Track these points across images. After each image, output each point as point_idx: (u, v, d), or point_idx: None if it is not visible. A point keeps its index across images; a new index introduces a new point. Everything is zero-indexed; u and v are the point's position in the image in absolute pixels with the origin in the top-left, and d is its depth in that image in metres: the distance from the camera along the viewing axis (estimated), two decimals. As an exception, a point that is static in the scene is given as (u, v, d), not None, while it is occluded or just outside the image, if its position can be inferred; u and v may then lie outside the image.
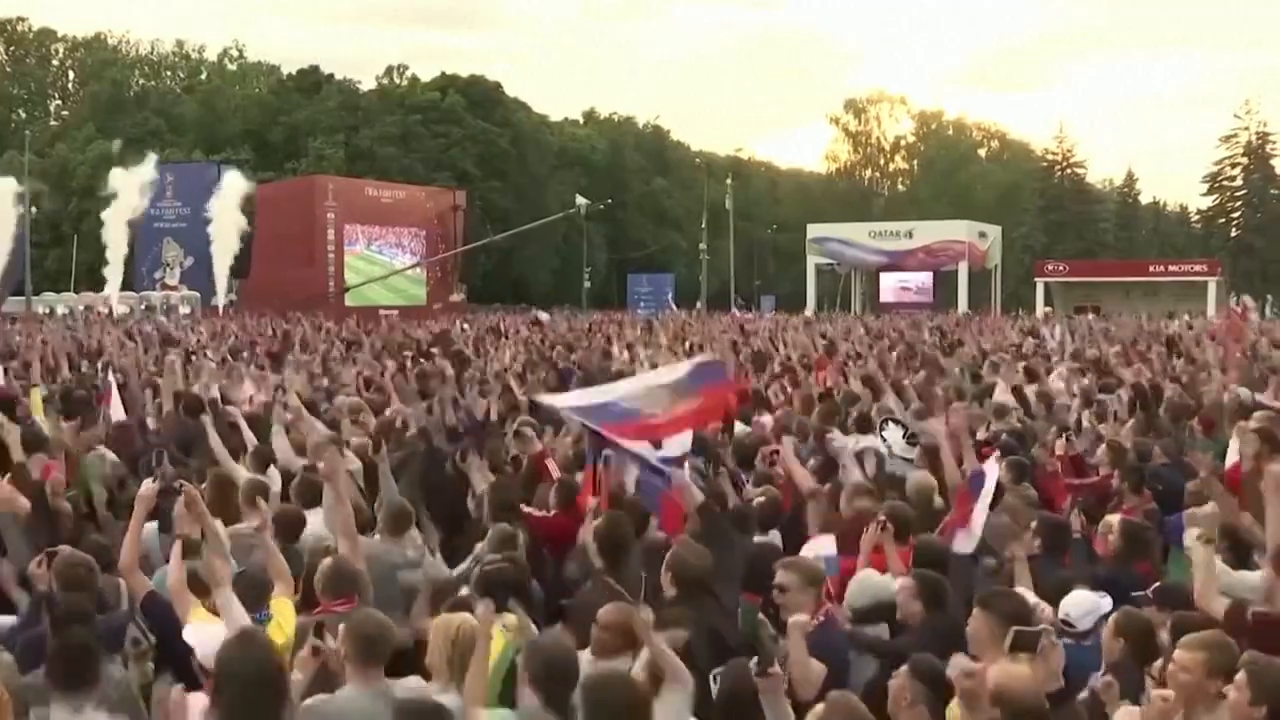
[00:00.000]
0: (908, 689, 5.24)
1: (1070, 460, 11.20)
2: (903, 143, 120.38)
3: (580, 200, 62.52)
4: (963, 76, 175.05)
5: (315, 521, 8.35)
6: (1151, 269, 70.14)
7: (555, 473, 10.09)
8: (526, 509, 8.88)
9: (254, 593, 6.39)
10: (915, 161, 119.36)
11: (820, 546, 8.16)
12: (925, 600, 6.79)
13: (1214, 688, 5.22)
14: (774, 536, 8.91)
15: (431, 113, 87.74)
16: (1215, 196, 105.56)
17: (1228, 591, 7.33)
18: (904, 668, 5.39)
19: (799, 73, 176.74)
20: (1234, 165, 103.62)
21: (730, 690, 5.68)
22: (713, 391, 9.24)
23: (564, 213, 65.05)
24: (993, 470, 8.73)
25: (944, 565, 7.40)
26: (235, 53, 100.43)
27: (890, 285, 74.62)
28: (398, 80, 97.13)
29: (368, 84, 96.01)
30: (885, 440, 11.97)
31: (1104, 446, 11.31)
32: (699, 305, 63.97)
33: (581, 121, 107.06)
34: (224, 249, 58.83)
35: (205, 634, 5.76)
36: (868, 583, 7.49)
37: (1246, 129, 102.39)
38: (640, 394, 8.85)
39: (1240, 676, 5.03)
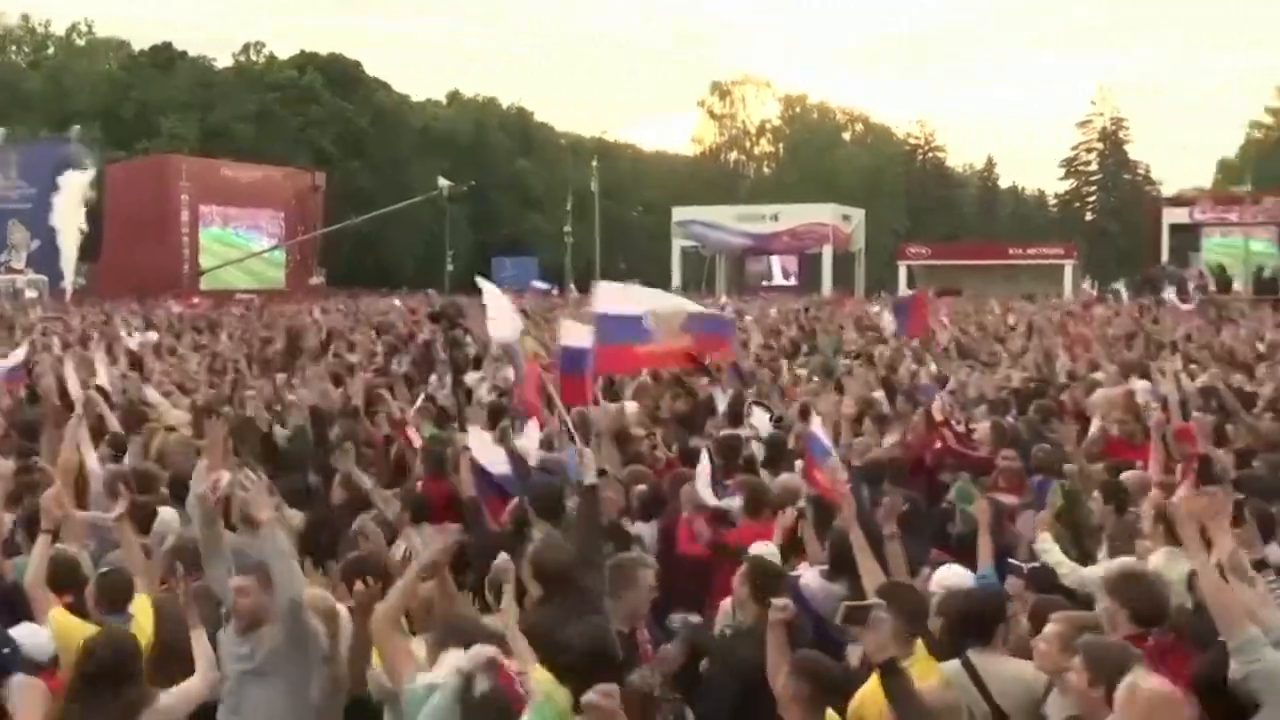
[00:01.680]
0: (790, 687, 5.26)
1: (955, 436, 11.46)
2: (768, 126, 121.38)
3: (443, 182, 62.10)
4: (827, 61, 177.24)
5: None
6: (1011, 252, 71.63)
7: (417, 441, 10.08)
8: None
9: (116, 595, 6.28)
10: (781, 145, 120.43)
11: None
12: (753, 593, 6.85)
13: (1066, 663, 5.37)
14: (651, 529, 9.00)
15: (289, 91, 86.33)
16: (1072, 181, 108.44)
17: (1078, 587, 7.56)
18: (787, 668, 5.43)
19: (665, 55, 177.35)
20: (1089, 150, 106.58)
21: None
22: (702, 338, 10.39)
23: (427, 195, 64.49)
24: (818, 425, 8.92)
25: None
26: (84, 28, 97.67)
27: (757, 267, 75.22)
28: (254, 57, 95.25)
29: (223, 61, 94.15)
30: (753, 425, 12.12)
31: (986, 426, 11.60)
32: (570, 288, 63.93)
33: (444, 102, 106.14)
34: (70, 230, 57.11)
35: (31, 633, 5.77)
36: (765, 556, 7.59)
37: (1101, 114, 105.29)
38: (666, 314, 10.03)
39: (1076, 659, 5.16)
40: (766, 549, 7.73)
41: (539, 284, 54.41)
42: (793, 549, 8.32)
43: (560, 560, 6.84)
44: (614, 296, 10.39)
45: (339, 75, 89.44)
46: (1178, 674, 5.42)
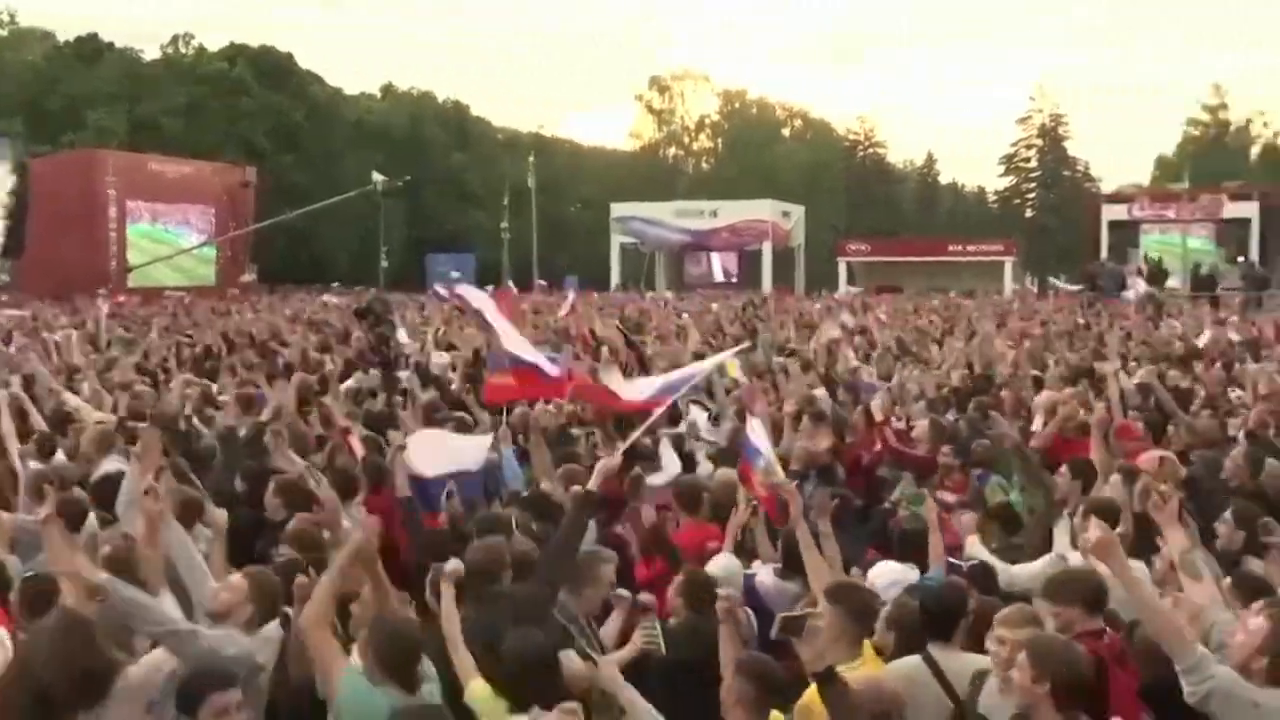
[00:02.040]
0: (734, 689, 5.27)
1: (895, 434, 11.56)
2: (707, 121, 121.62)
3: (377, 177, 61.58)
4: (767, 56, 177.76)
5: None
6: (951, 249, 72.19)
7: (359, 451, 10.01)
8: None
9: (39, 601, 6.20)
10: (720, 140, 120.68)
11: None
12: (686, 599, 6.87)
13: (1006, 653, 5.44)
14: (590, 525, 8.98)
15: (220, 84, 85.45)
16: (1011, 178, 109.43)
17: (1007, 586, 7.65)
18: (731, 668, 5.44)
19: (603, 49, 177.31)
20: (1029, 147, 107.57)
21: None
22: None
23: (361, 190, 64.05)
24: (757, 427, 8.94)
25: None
26: (6, 18, 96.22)
27: (696, 264, 75.29)
28: (183, 49, 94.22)
29: (151, 53, 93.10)
30: (690, 423, 12.19)
31: (925, 424, 11.70)
32: (508, 284, 63.73)
33: (379, 96, 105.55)
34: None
35: None
36: (724, 566, 7.63)
37: (1040, 111, 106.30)
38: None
39: (1021, 656, 5.20)
40: (727, 561, 7.77)
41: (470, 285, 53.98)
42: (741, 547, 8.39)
43: (495, 563, 6.84)
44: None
45: (271, 68, 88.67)
46: (1135, 677, 5.50)
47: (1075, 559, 7.47)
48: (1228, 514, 8.12)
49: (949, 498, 9.58)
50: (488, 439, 10.34)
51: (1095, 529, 5.58)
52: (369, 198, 67.17)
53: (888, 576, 7.15)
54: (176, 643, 5.71)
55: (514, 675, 5.45)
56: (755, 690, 5.22)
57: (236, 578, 6.34)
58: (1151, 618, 5.25)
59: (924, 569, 7.59)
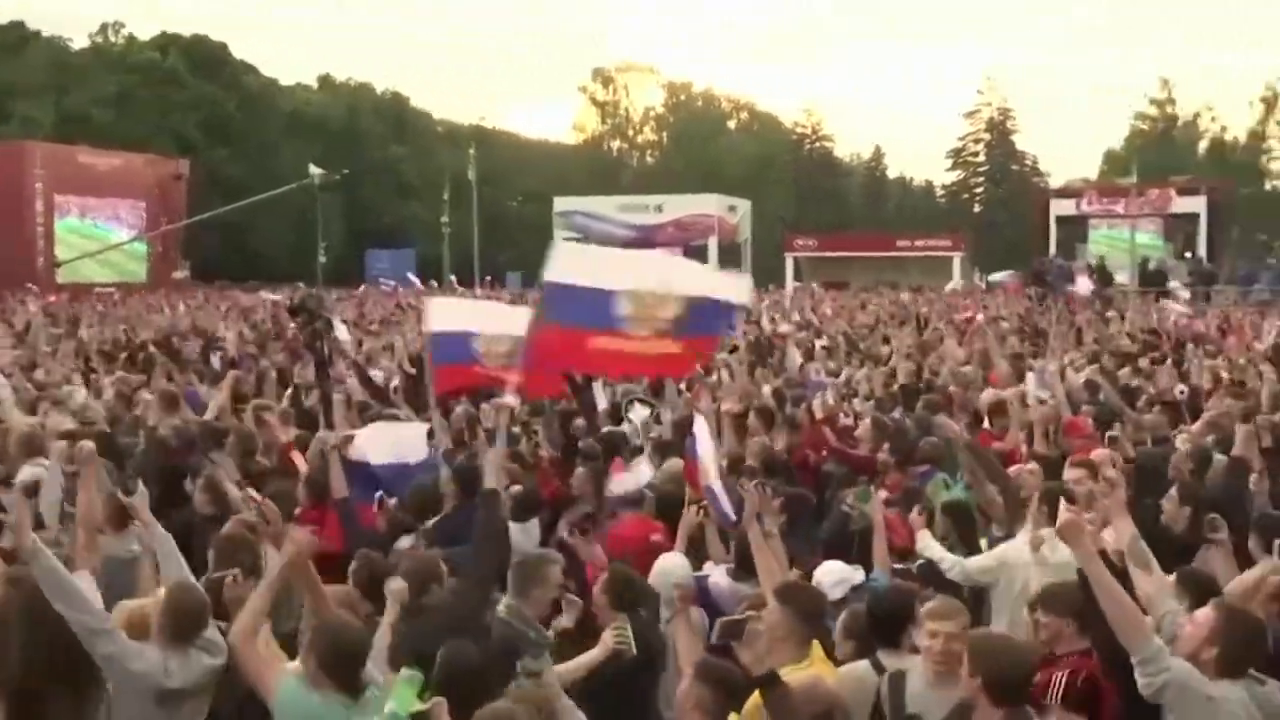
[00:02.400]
0: (693, 694, 5.29)
1: (836, 432, 11.62)
2: (652, 114, 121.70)
3: (314, 170, 61.19)
4: (713, 47, 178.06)
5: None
6: (899, 244, 72.59)
7: (302, 466, 9.97)
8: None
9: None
10: (665, 133, 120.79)
11: None
12: (611, 597, 6.90)
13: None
14: (533, 526, 9.00)
15: (151, 74, 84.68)
16: (959, 172, 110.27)
17: (964, 581, 7.72)
18: (689, 671, 5.45)
19: (546, 39, 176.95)
20: (977, 141, 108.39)
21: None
22: (695, 342, 8.10)
23: (297, 183, 63.64)
24: (701, 425, 8.95)
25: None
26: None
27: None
28: (113, 38, 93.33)
29: (80, 42, 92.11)
30: (630, 420, 12.22)
31: (867, 422, 11.78)
32: (450, 279, 63.50)
33: (315, 86, 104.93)
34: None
35: None
36: (671, 564, 7.64)
37: (989, 105, 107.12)
38: (645, 296, 7.73)
39: (966, 655, 5.31)
40: (675, 560, 7.78)
41: (413, 276, 53.87)
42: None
43: (427, 574, 6.85)
44: (445, 314, 10.08)
45: (203, 57, 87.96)
46: (1114, 698, 5.58)
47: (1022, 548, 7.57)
48: (1172, 491, 8.24)
49: (884, 496, 9.64)
50: (424, 428, 10.34)
51: (1064, 511, 5.66)
52: (306, 191, 66.65)
53: (833, 576, 7.18)
54: (90, 639, 5.64)
55: (444, 688, 5.44)
56: (714, 694, 5.24)
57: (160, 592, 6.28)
58: (1111, 605, 5.32)
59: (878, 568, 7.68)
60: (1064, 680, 5.99)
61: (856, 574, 7.30)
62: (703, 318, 7.69)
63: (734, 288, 8.05)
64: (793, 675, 5.49)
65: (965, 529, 8.82)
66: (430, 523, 8.69)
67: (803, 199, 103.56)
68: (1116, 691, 5.74)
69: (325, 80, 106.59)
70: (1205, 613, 5.42)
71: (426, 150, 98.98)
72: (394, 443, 9.81)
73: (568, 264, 7.76)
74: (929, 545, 8.10)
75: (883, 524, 7.92)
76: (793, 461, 10.94)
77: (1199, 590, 6.28)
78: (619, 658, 6.57)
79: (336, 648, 5.50)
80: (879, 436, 11.22)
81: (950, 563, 7.91)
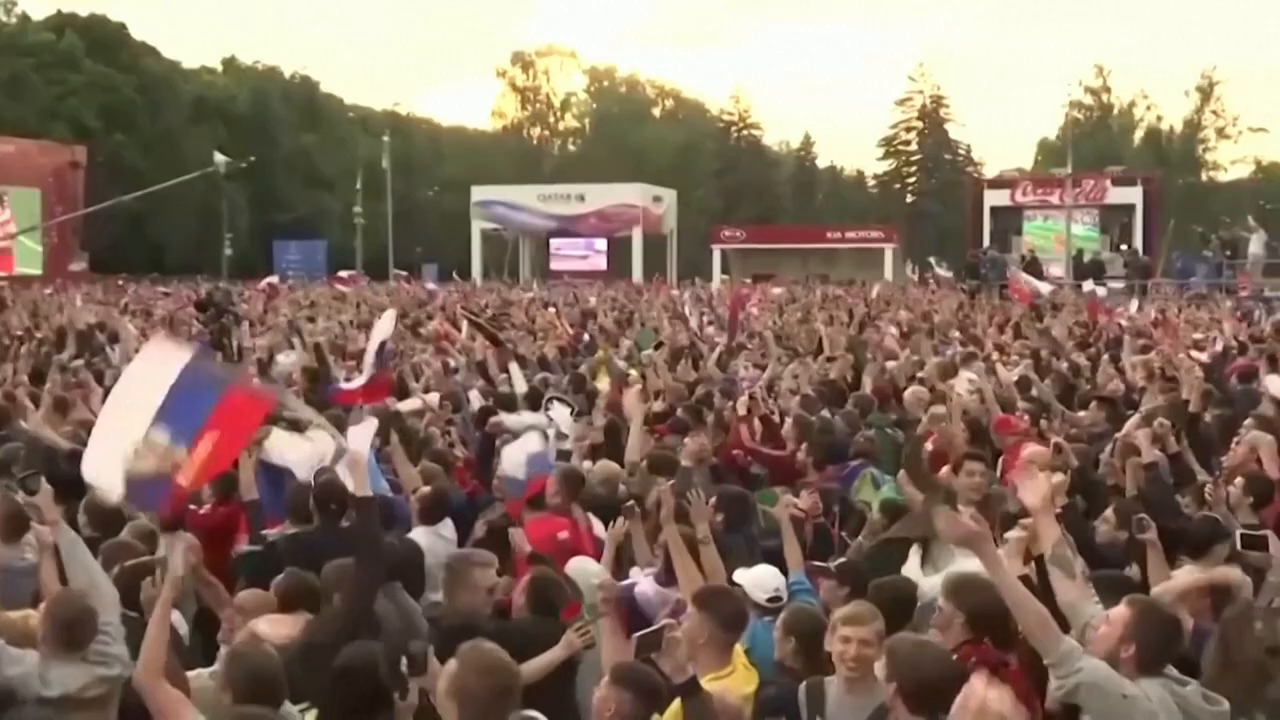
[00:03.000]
0: (611, 699, 5.33)
1: (763, 423, 11.69)
2: (574, 100, 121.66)
3: (219, 157, 60.48)
4: (635, 32, 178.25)
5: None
6: (829, 235, 72.99)
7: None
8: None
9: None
10: (587, 120, 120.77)
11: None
12: (531, 601, 6.95)
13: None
14: (446, 526, 9.00)
15: (45, 56, 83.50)
16: (891, 161, 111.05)
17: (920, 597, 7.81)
18: (607, 676, 5.50)
19: (464, 22, 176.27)
20: (909, 129, 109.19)
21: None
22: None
23: (201, 171, 62.94)
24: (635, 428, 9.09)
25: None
26: None
27: (562, 251, 75.13)
28: (5, 18, 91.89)
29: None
30: (551, 419, 12.26)
31: (790, 421, 11.87)
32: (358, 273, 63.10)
33: (220, 69, 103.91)
34: None
35: None
36: (579, 569, 7.68)
37: (921, 92, 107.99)
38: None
39: (884, 660, 5.39)
40: (585, 563, 7.82)
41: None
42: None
43: (307, 581, 6.89)
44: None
45: (101, 39, 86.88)
46: (1015, 691, 5.65)
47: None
48: (1109, 512, 8.35)
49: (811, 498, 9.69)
50: (329, 439, 10.33)
51: (968, 520, 5.74)
52: (210, 180, 65.99)
53: (755, 580, 7.25)
54: None
55: (331, 694, 5.47)
56: (635, 699, 5.28)
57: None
58: (1020, 611, 5.40)
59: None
60: None
61: (776, 579, 7.35)
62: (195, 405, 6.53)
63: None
64: (714, 684, 5.56)
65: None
66: (289, 533, 8.55)
67: (730, 189, 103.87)
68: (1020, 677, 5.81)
69: (230, 63, 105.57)
70: (1120, 610, 5.49)
71: (338, 137, 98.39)
72: (312, 448, 9.79)
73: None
74: (912, 569, 8.10)
75: (790, 525, 7.99)
76: (721, 461, 11.00)
77: (1118, 593, 6.43)
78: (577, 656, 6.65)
79: (251, 675, 5.46)
80: (803, 436, 11.31)
81: (920, 582, 7.97)
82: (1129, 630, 5.37)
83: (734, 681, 5.99)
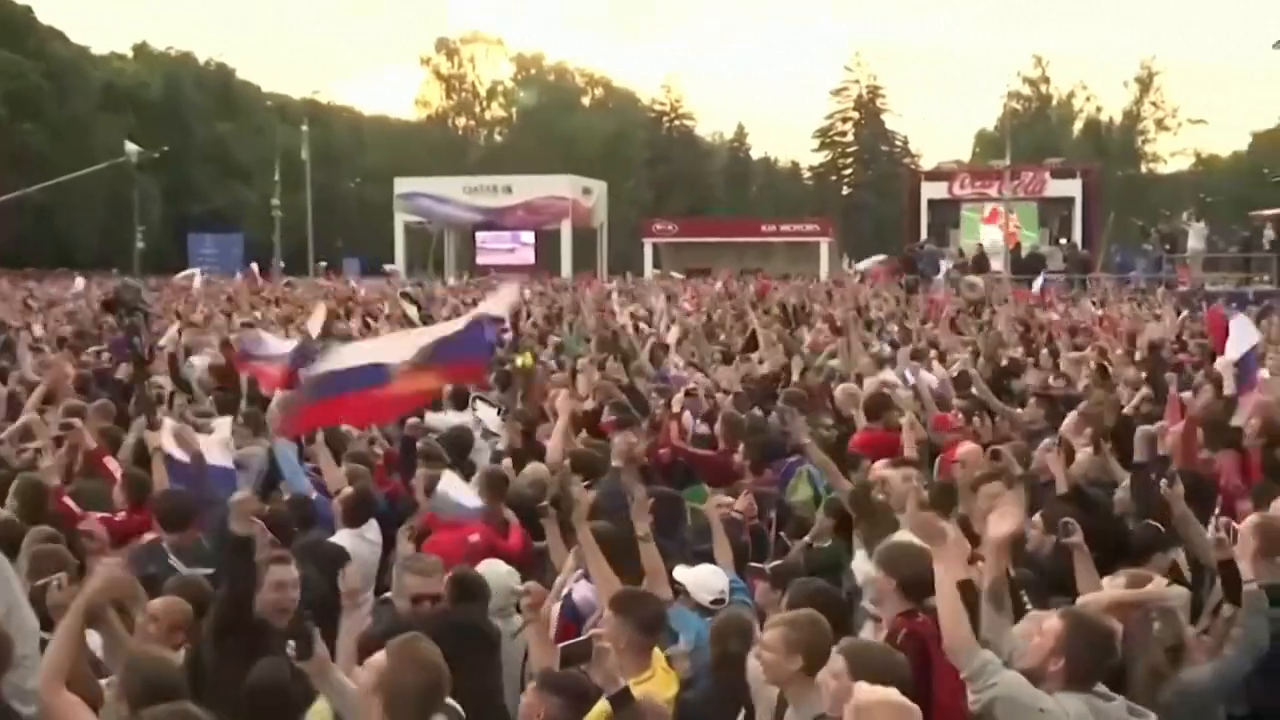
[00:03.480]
0: (539, 704, 5.34)
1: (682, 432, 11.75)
2: (500, 88, 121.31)
3: (130, 147, 60.14)
4: (564, 18, 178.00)
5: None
6: (764, 229, 73.20)
7: (116, 470, 9.86)
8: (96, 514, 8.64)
9: None
10: (514, 109, 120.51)
11: None
12: (451, 595, 7.01)
13: (794, 665, 5.58)
14: (370, 528, 9.01)
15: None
16: (827, 152, 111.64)
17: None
18: (534, 681, 5.52)
19: (386, 7, 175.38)
20: (845, 120, 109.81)
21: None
22: (452, 369, 8.80)
23: (112, 161, 62.40)
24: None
25: None
26: None
27: (489, 245, 74.86)
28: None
29: None
30: (480, 419, 12.29)
31: (720, 421, 11.92)
32: (279, 266, 62.71)
33: (131, 55, 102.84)
34: None
35: None
36: (490, 571, 7.70)
37: (857, 82, 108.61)
38: (413, 356, 8.43)
39: (839, 663, 5.29)
40: (495, 566, 7.84)
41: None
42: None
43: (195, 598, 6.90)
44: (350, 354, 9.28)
45: (6, 23, 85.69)
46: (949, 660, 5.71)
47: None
48: (1036, 517, 8.43)
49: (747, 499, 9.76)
50: (221, 440, 10.33)
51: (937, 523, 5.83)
52: (121, 170, 65.52)
53: (698, 581, 7.29)
54: None
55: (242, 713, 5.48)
56: (563, 703, 5.31)
57: None
58: (943, 616, 5.48)
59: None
60: (884, 640, 6.19)
61: (717, 579, 7.40)
62: (457, 344, 8.36)
63: (494, 303, 8.67)
64: (634, 689, 5.59)
65: (845, 527, 9.04)
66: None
67: (661, 181, 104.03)
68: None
69: (142, 49, 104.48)
70: (1052, 623, 5.57)
71: (255, 126, 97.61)
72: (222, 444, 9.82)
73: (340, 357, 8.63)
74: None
75: (720, 524, 8.04)
76: (651, 461, 11.02)
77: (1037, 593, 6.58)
78: None
79: (147, 686, 5.37)
80: (734, 435, 11.37)
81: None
82: (1060, 643, 5.44)
83: (655, 685, 6.02)
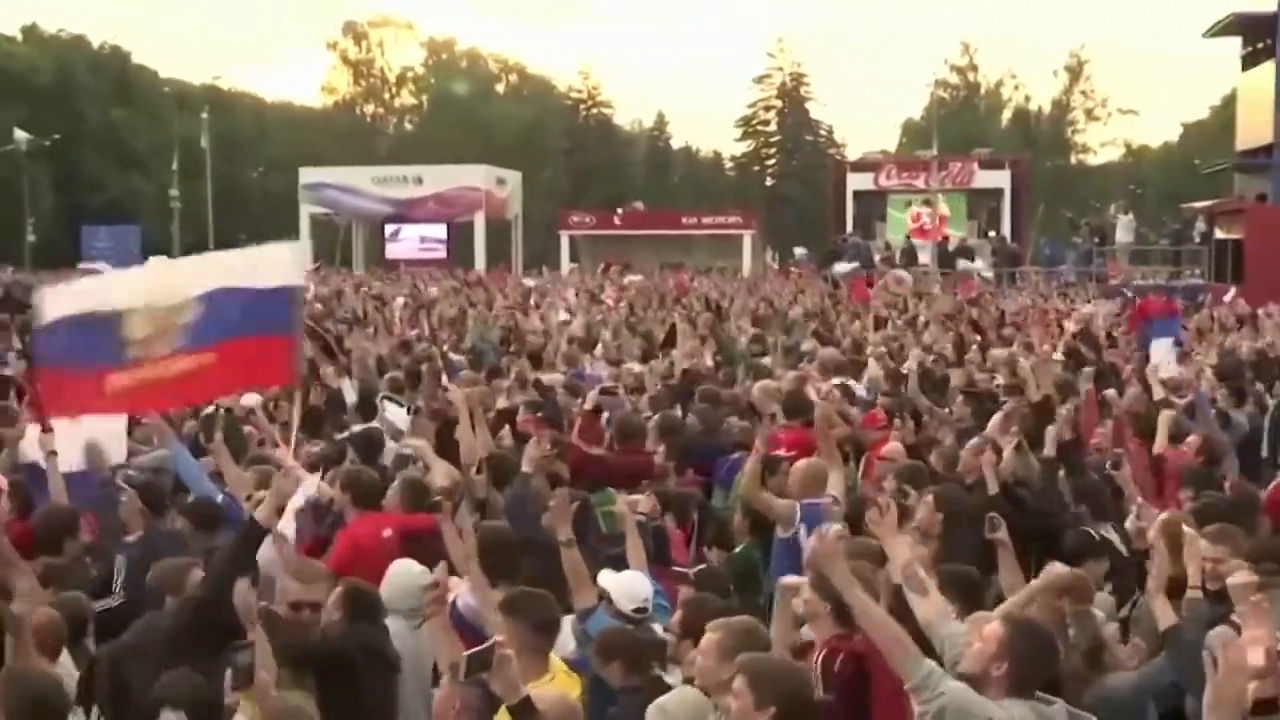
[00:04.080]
0: (456, 696, 5.35)
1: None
2: (410, 74, 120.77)
3: (20, 134, 59.46)
4: (476, 2, 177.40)
5: None
6: (685, 221, 73.26)
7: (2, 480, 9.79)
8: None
9: None
10: (425, 96, 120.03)
11: None
12: (345, 608, 7.01)
13: (726, 673, 5.60)
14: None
15: None
16: (750, 142, 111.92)
17: None
18: (449, 674, 5.53)
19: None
20: (768, 108, 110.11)
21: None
22: (244, 345, 7.20)
23: (0, 149, 61.60)
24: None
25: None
26: None
27: (398, 238, 74.48)
28: None
29: None
30: (389, 419, 12.28)
31: (651, 423, 11.99)
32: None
33: (19, 38, 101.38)
34: None
35: None
36: (403, 570, 7.70)
37: (780, 69, 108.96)
38: (152, 311, 7.05)
39: (738, 681, 5.33)
40: (412, 566, 7.82)
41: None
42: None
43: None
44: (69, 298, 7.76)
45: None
46: (888, 678, 5.77)
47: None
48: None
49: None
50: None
51: (815, 539, 5.88)
52: (10, 159, 64.77)
53: (622, 588, 7.30)
54: None
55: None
56: (481, 694, 5.32)
57: None
58: (876, 632, 5.52)
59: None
60: (820, 663, 6.25)
61: (640, 584, 7.42)
62: (237, 314, 7.06)
63: (271, 265, 7.31)
64: (535, 692, 5.61)
65: (761, 528, 9.13)
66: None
67: (578, 171, 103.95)
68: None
69: (31, 31, 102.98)
70: (993, 628, 5.61)
71: (152, 114, 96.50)
72: (84, 446, 9.77)
73: (57, 302, 7.44)
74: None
75: (635, 527, 8.05)
76: (568, 462, 11.01)
77: (963, 588, 6.65)
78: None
79: (31, 699, 5.34)
80: (660, 436, 11.41)
81: None
82: (1002, 648, 5.48)
83: (555, 690, 6.05)
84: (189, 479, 10.14)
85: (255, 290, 7.13)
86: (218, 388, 8.49)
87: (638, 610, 7.08)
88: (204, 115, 79.38)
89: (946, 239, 54.75)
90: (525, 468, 9.88)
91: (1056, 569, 7.02)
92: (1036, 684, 5.47)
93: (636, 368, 16.22)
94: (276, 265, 7.41)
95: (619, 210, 73.53)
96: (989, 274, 46.14)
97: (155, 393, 7.40)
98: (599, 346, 19.58)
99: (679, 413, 12.87)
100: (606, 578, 7.32)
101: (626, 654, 6.43)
